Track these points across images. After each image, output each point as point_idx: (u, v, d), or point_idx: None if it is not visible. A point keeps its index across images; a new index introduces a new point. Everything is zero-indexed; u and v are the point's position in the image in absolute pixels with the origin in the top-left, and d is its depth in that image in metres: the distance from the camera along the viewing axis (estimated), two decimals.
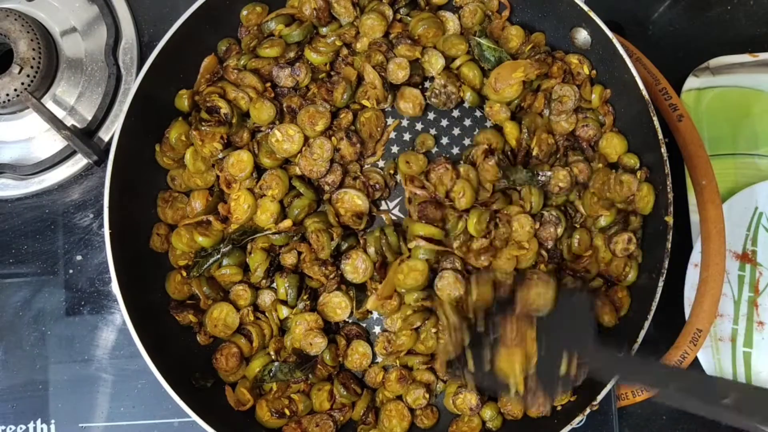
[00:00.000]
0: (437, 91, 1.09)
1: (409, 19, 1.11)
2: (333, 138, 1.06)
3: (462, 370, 0.94)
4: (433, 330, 1.06)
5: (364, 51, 1.09)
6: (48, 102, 1.18)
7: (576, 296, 0.93)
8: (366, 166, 1.10)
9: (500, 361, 0.90)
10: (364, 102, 1.08)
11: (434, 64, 1.09)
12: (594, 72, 1.09)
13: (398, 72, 1.07)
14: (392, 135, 1.13)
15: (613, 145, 1.07)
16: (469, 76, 1.09)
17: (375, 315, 1.09)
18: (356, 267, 1.04)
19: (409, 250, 1.04)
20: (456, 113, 1.13)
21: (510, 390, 0.90)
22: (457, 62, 1.10)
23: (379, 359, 1.07)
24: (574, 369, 0.87)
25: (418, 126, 1.13)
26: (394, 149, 1.12)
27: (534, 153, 1.06)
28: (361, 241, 1.06)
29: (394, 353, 1.06)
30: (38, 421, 1.12)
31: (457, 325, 0.94)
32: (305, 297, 1.04)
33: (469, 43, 1.10)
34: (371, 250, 1.04)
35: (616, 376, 0.89)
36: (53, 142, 1.18)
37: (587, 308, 0.91)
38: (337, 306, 1.06)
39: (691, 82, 1.19)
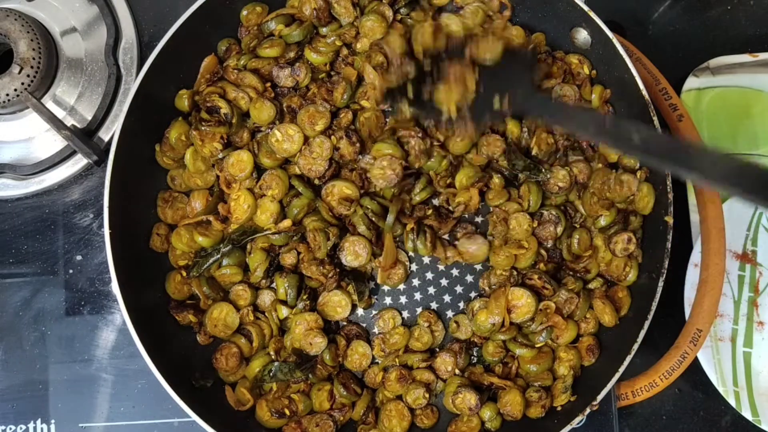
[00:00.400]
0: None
1: (410, 20, 1.11)
2: (332, 137, 1.06)
3: (401, 98, 0.98)
4: (426, 324, 1.07)
5: (364, 51, 1.09)
6: (48, 102, 1.18)
7: (521, 53, 0.97)
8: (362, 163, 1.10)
9: (439, 93, 0.95)
10: (364, 103, 1.08)
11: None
12: (594, 72, 1.09)
13: None
14: None
15: None
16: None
17: (375, 312, 1.09)
18: (356, 252, 1.04)
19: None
20: None
21: (443, 114, 0.96)
22: None
23: (379, 360, 1.07)
24: (507, 104, 0.93)
25: None
26: None
27: (534, 152, 1.06)
28: (350, 229, 1.06)
29: (392, 353, 1.06)
30: (38, 421, 1.12)
31: (404, 59, 0.97)
32: (305, 297, 1.04)
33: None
34: (362, 228, 1.04)
35: (542, 115, 0.94)
36: (53, 142, 1.18)
37: (529, 61, 0.97)
38: (337, 305, 1.06)
39: (691, 82, 1.19)
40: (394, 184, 1.04)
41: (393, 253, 1.05)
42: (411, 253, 1.09)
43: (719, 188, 0.75)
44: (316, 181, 1.08)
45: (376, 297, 1.09)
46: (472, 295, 1.10)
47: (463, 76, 0.94)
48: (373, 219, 1.04)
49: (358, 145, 1.06)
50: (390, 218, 1.03)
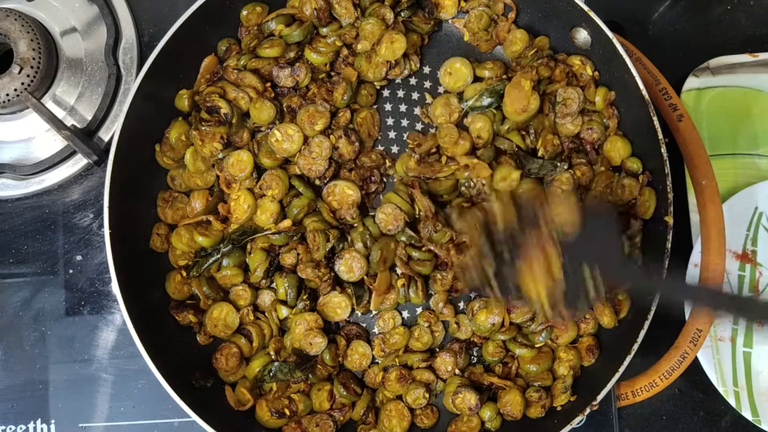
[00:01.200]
0: (466, 183, 1.06)
1: (411, 23, 1.11)
2: (331, 136, 1.06)
3: (485, 289, 0.91)
4: (426, 325, 1.07)
5: (364, 52, 1.09)
6: (48, 102, 1.18)
7: (603, 217, 0.88)
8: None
9: (524, 283, 0.87)
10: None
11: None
12: (597, 73, 1.09)
13: None
14: (392, 135, 1.13)
15: (617, 149, 1.07)
16: (487, 130, 1.07)
17: (375, 312, 1.09)
18: (351, 267, 1.04)
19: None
20: None
21: (534, 304, 0.88)
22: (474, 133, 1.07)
23: (379, 360, 1.07)
24: (601, 287, 0.85)
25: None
26: (395, 149, 1.13)
27: (540, 154, 1.06)
28: (349, 239, 1.06)
29: (392, 353, 1.06)
30: (38, 421, 1.12)
31: (482, 249, 0.89)
32: (305, 297, 1.04)
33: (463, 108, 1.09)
34: (359, 245, 1.04)
35: (652, 292, 0.90)
36: (53, 142, 1.18)
37: (614, 229, 0.88)
38: (337, 306, 1.06)
39: (691, 82, 1.19)
40: (394, 234, 1.04)
41: (387, 280, 1.05)
42: (402, 303, 1.08)
43: None
44: (317, 182, 1.08)
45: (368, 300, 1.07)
46: (472, 295, 1.10)
47: (546, 253, 0.86)
48: (368, 243, 1.04)
49: (357, 144, 1.06)
50: (374, 255, 1.03)
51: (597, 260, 0.84)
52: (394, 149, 1.12)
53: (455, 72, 1.10)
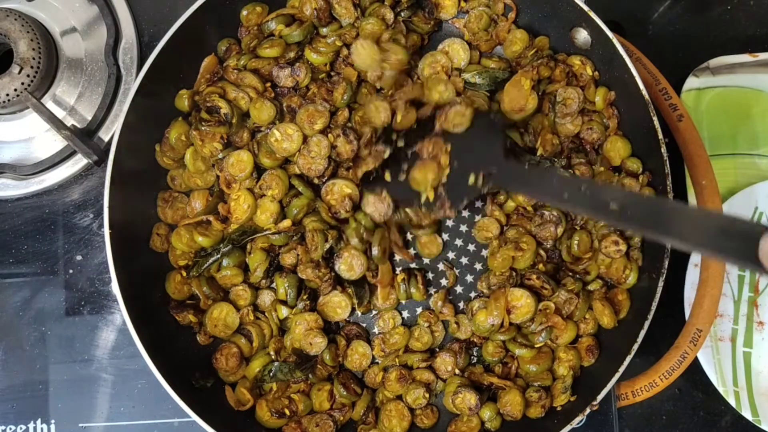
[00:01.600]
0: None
1: (411, 23, 1.11)
2: (330, 135, 1.06)
3: (379, 180, 1.01)
4: (426, 325, 1.07)
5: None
6: (48, 102, 1.18)
7: (490, 118, 0.98)
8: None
9: (415, 172, 0.97)
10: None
11: None
12: (597, 73, 1.09)
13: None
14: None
15: (617, 149, 1.07)
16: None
17: (375, 312, 1.09)
18: (351, 265, 1.04)
19: None
20: None
21: (421, 198, 0.97)
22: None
23: (379, 360, 1.07)
24: (481, 180, 0.92)
25: None
26: None
27: (539, 153, 1.06)
28: (344, 237, 1.06)
29: (392, 353, 1.06)
30: (38, 421, 1.12)
31: (380, 136, 1.00)
32: (305, 297, 1.04)
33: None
34: (354, 241, 1.04)
35: (518, 187, 0.93)
36: (53, 142, 1.18)
37: (499, 128, 0.97)
38: (337, 305, 1.06)
39: (691, 82, 1.19)
40: (386, 219, 1.05)
41: (389, 272, 1.06)
42: (403, 302, 1.09)
43: (703, 253, 0.70)
44: (316, 181, 1.08)
45: (373, 300, 1.08)
46: (472, 295, 1.10)
47: (437, 151, 0.96)
48: (364, 236, 1.04)
49: (355, 142, 1.06)
50: (375, 251, 1.04)
51: (481, 155, 0.93)
52: None
53: (452, 51, 1.11)
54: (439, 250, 1.10)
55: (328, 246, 1.03)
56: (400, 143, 1.00)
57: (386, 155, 1.01)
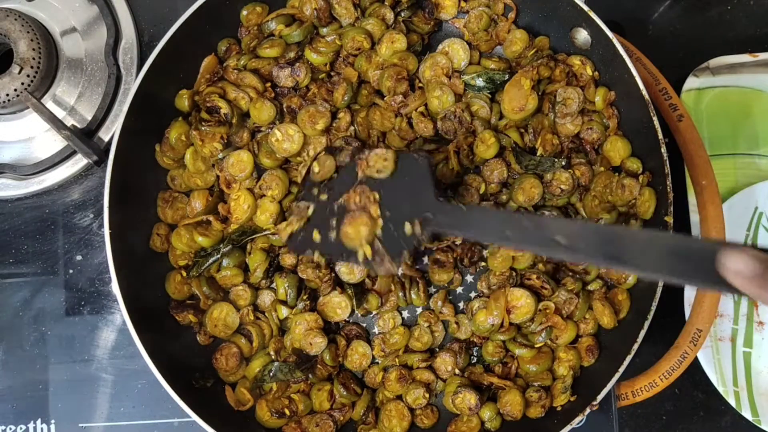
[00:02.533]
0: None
1: (411, 24, 1.10)
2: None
3: (308, 241, 0.93)
4: (426, 325, 1.07)
5: (365, 51, 1.08)
6: (48, 102, 1.18)
7: (415, 158, 0.90)
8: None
9: (346, 227, 0.90)
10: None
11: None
12: (597, 73, 1.09)
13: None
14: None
15: (617, 149, 1.07)
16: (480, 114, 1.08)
17: (375, 313, 1.09)
18: (351, 268, 1.04)
19: None
20: None
21: (358, 256, 0.90)
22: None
23: (379, 361, 1.07)
24: (419, 228, 0.86)
25: None
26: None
27: (539, 153, 1.06)
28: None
29: (392, 353, 1.06)
30: (38, 421, 1.12)
31: (301, 203, 0.94)
32: (305, 297, 1.04)
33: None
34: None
35: (458, 230, 0.87)
36: (53, 142, 1.18)
37: (426, 168, 0.89)
38: (337, 306, 1.06)
39: (691, 82, 1.19)
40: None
41: (388, 282, 1.06)
42: (402, 305, 1.09)
43: (661, 278, 0.67)
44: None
45: (369, 301, 1.07)
46: (472, 295, 1.10)
47: (365, 202, 0.90)
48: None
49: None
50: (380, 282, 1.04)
51: (414, 200, 0.87)
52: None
53: (452, 52, 1.10)
54: (450, 277, 1.08)
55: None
56: (323, 197, 0.93)
57: (310, 212, 0.94)
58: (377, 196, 0.89)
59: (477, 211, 0.86)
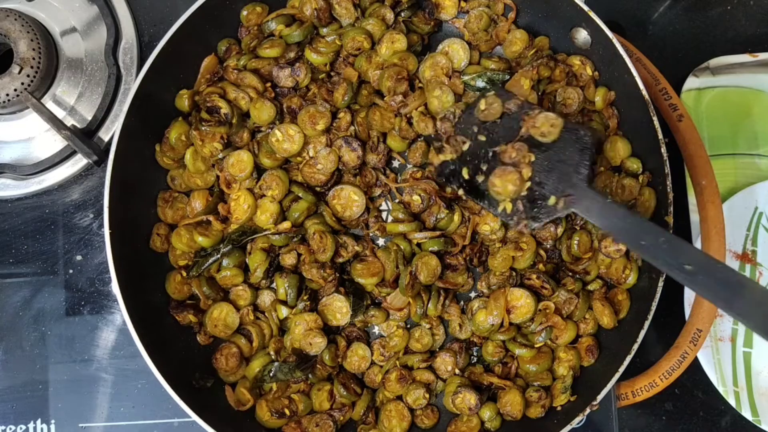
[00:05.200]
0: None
1: (411, 24, 1.10)
2: (341, 149, 1.05)
3: (456, 175, 0.96)
4: (427, 326, 1.06)
5: (365, 51, 1.08)
6: (48, 102, 1.18)
7: (581, 134, 0.91)
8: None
9: (495, 179, 0.92)
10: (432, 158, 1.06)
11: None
12: (597, 73, 1.09)
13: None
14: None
15: (617, 149, 1.07)
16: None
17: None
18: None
19: None
20: None
21: (498, 208, 0.92)
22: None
23: (381, 365, 1.07)
24: (562, 204, 0.88)
25: None
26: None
27: None
28: (379, 255, 1.05)
29: (392, 357, 1.06)
30: (38, 421, 1.12)
31: (459, 138, 0.95)
32: (305, 297, 1.04)
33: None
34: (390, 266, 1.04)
35: (596, 221, 0.88)
36: (53, 142, 1.18)
37: (589, 148, 0.90)
38: (338, 310, 1.05)
39: (691, 82, 1.19)
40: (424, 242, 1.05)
41: (404, 302, 1.05)
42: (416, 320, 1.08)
43: (757, 332, 0.70)
44: (318, 189, 1.07)
45: (373, 314, 1.07)
46: (472, 295, 1.10)
47: (519, 159, 0.91)
48: (399, 263, 1.03)
49: (359, 149, 1.06)
50: (403, 279, 1.02)
51: (566, 173, 0.89)
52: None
53: (452, 52, 1.11)
54: (464, 280, 1.08)
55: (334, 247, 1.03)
56: (481, 137, 0.95)
57: (465, 147, 0.96)
58: (533, 158, 0.91)
59: (622, 211, 0.86)
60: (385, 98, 1.08)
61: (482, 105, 0.98)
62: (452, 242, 1.05)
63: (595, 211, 0.87)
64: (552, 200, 0.89)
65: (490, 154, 0.94)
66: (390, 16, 1.09)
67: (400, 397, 1.06)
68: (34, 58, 1.13)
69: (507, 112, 0.96)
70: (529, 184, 0.91)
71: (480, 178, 0.94)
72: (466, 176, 0.96)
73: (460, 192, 0.98)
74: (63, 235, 1.18)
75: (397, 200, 1.10)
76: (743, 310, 0.70)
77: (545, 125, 0.92)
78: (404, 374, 1.05)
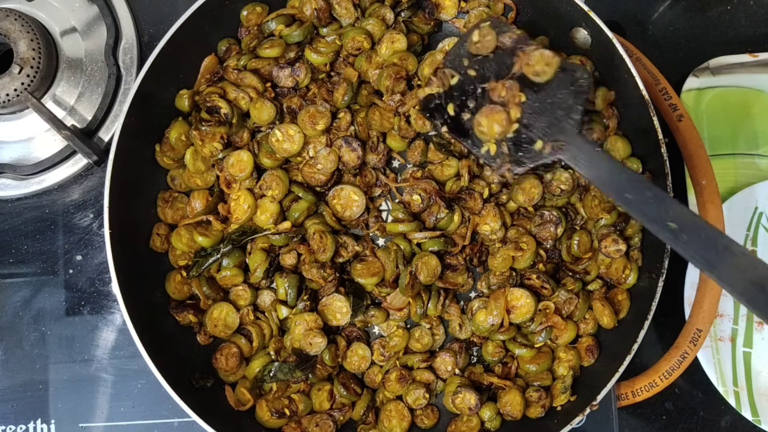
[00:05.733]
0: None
1: (411, 24, 1.10)
2: (340, 149, 1.05)
3: (441, 112, 0.91)
4: (427, 326, 1.06)
5: (365, 51, 1.08)
6: (48, 102, 1.18)
7: (576, 77, 0.87)
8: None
9: (481, 117, 0.87)
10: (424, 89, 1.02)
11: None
12: (596, 74, 1.09)
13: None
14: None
15: (617, 149, 1.06)
16: None
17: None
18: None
19: None
20: None
21: (482, 148, 0.88)
22: None
23: (381, 365, 1.07)
24: (549, 150, 0.84)
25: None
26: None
27: None
28: (379, 255, 1.05)
29: (392, 357, 1.06)
30: (38, 421, 1.12)
31: (448, 73, 0.91)
32: (305, 297, 1.04)
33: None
34: (390, 266, 1.04)
35: (582, 170, 0.85)
36: (53, 142, 1.18)
37: (584, 91, 0.86)
38: (338, 310, 1.05)
39: (691, 82, 1.19)
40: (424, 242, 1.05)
41: (404, 303, 1.05)
42: (416, 320, 1.07)
43: (737, 298, 0.67)
44: (318, 188, 1.07)
45: (373, 314, 1.07)
46: (472, 295, 1.10)
47: (509, 98, 0.86)
48: (399, 263, 1.03)
49: (359, 149, 1.06)
50: (403, 278, 1.02)
51: (556, 117, 0.84)
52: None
53: None
54: (464, 280, 1.08)
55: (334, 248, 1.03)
56: (471, 72, 0.90)
57: (453, 81, 0.91)
58: (523, 98, 0.86)
59: (610, 162, 0.83)
60: (383, 98, 1.08)
61: (475, 37, 0.92)
62: (452, 242, 1.05)
63: (582, 159, 0.83)
64: (539, 144, 0.85)
65: (479, 90, 0.89)
66: (390, 16, 1.09)
67: (400, 397, 1.06)
68: (34, 58, 1.13)
69: (501, 47, 0.90)
70: (516, 126, 0.86)
71: (466, 116, 0.90)
72: (452, 112, 0.92)
73: (444, 129, 0.93)
74: (63, 235, 1.18)
75: (397, 200, 1.10)
76: (726, 274, 0.67)
77: (540, 63, 0.87)
78: (404, 374, 1.05)
